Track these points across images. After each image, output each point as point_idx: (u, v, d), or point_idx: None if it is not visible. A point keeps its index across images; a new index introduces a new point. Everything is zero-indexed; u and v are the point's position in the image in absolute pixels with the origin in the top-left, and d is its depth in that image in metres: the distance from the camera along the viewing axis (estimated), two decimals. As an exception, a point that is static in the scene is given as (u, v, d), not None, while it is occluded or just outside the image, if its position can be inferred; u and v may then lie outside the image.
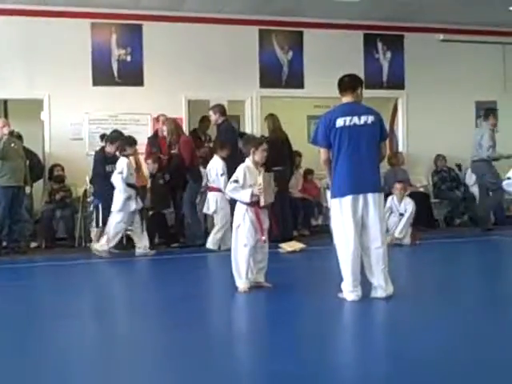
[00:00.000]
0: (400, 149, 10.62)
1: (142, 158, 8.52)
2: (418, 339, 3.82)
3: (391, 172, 10.07)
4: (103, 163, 7.97)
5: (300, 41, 10.05)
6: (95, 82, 9.18)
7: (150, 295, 5.54)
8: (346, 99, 4.92)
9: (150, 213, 8.37)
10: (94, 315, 4.91)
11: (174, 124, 8.31)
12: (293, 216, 8.91)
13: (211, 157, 8.16)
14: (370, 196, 4.75)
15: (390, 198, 7.99)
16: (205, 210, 8.06)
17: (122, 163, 7.49)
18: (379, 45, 10.46)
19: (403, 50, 10.54)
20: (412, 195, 8.72)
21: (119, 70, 9.29)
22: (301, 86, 10.04)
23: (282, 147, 8.49)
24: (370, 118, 4.79)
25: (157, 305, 5.11)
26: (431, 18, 10.21)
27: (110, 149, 7.97)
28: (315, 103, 11.38)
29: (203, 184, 8.15)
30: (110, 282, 6.61)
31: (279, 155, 8.15)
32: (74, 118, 9.12)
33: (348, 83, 4.94)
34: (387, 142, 11.24)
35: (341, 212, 4.77)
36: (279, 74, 9.98)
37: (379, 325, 4.45)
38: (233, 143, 8.04)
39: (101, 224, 7.84)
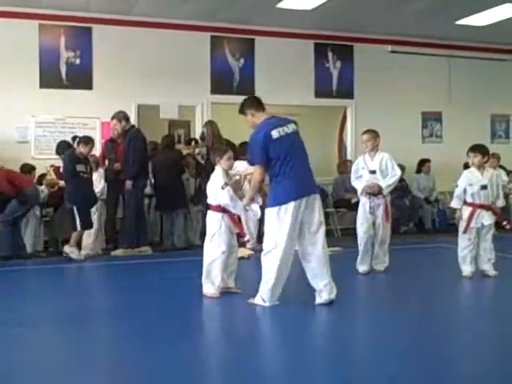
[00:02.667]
0: (348, 157, 10.76)
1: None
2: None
3: (340, 180, 10.22)
4: (74, 162, 7.79)
5: (251, 48, 10.09)
6: (42, 85, 9.00)
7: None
8: (264, 115, 5.13)
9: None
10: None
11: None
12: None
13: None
14: (312, 198, 4.88)
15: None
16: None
17: None
18: (329, 54, 10.59)
19: (353, 60, 10.71)
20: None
21: (68, 72, 9.13)
22: (252, 92, 10.02)
23: None
24: (293, 126, 5.02)
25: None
26: (380, 30, 10.42)
27: (84, 149, 7.81)
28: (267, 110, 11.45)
29: None
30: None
31: None
32: (20, 121, 8.91)
33: (261, 102, 5.22)
34: (336, 149, 11.55)
35: (282, 219, 4.78)
36: (230, 80, 10.00)
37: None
38: (142, 152, 8.00)
39: (79, 227, 7.64)
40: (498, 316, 4.87)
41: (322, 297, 4.88)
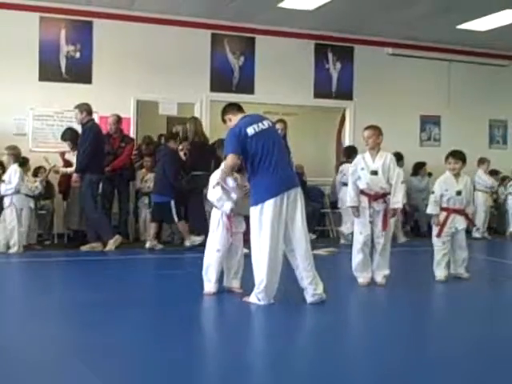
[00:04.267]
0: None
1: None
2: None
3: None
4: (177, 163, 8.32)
5: (252, 47, 10.09)
6: (42, 77, 8.98)
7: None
8: (241, 114, 5.23)
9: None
10: None
11: None
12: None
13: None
14: (294, 192, 4.88)
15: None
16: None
17: None
18: (330, 55, 10.60)
19: (353, 62, 10.71)
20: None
21: (67, 66, 9.11)
22: (251, 91, 10.08)
23: (203, 152, 8.32)
24: (267, 122, 5.07)
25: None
26: (381, 32, 10.42)
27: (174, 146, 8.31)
28: (265, 109, 11.44)
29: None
30: None
31: (200, 160, 8.21)
32: (18, 113, 8.89)
33: (239, 106, 5.34)
34: (334, 150, 11.55)
35: (264, 217, 4.77)
36: (230, 78, 9.99)
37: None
38: (93, 146, 7.84)
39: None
40: (473, 315, 4.92)
41: (308, 293, 4.91)
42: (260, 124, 4.97)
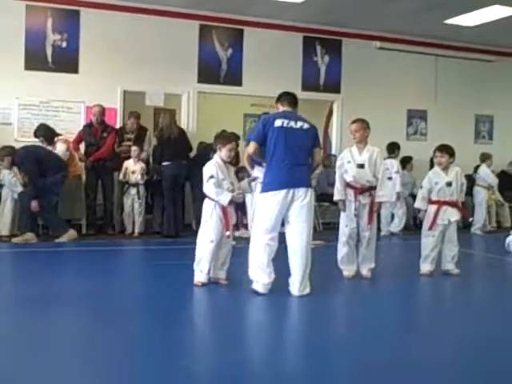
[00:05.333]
0: (333, 151, 10.79)
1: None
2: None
3: (324, 174, 10.24)
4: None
5: (240, 39, 10.05)
6: (27, 66, 8.89)
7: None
8: (284, 108, 5.32)
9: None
10: None
11: None
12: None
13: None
14: (303, 190, 5.00)
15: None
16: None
17: None
18: (318, 48, 10.59)
19: (341, 55, 10.71)
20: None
21: (53, 55, 9.03)
22: (239, 83, 10.05)
23: (171, 143, 8.43)
24: (306, 125, 5.16)
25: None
26: (369, 26, 10.43)
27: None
28: (252, 102, 11.44)
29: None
30: None
31: (168, 151, 8.39)
32: (4, 103, 8.81)
33: (295, 99, 5.40)
34: (321, 149, 11.55)
35: (269, 205, 4.98)
36: (218, 70, 9.95)
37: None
38: (35, 171, 7.70)
39: None
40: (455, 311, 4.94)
41: (290, 286, 5.04)
42: (292, 122, 5.10)
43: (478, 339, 4.11)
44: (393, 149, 9.82)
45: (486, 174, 10.26)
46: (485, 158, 10.47)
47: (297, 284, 4.99)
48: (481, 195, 10.17)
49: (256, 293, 4.97)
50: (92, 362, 3.42)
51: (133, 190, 8.67)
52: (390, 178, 8.30)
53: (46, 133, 8.20)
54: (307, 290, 5.02)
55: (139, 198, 8.61)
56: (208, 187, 5.25)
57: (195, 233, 5.59)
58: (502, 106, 11.83)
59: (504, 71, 11.72)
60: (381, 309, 4.97)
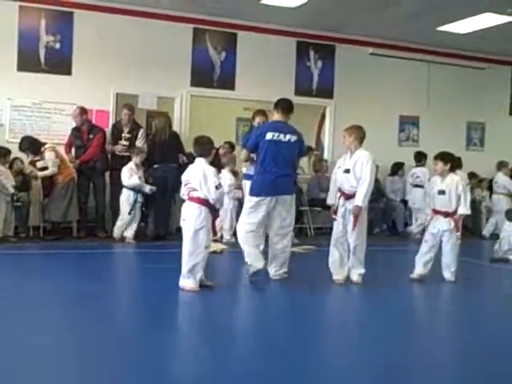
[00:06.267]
0: (325, 157, 10.81)
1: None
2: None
3: (315, 179, 10.27)
4: None
5: (234, 42, 10.06)
6: (20, 68, 8.86)
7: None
8: (278, 117, 6.02)
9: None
10: None
11: None
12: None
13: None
14: (283, 197, 5.84)
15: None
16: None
17: None
18: (311, 53, 10.61)
19: (334, 61, 10.74)
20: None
21: (46, 56, 9.00)
22: (232, 87, 10.06)
23: (161, 146, 8.54)
24: (293, 138, 5.90)
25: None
26: (363, 32, 10.46)
27: None
28: (245, 105, 11.45)
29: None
30: None
31: (158, 153, 8.54)
32: (-4, 103, 8.78)
33: (290, 106, 6.06)
34: (314, 151, 11.57)
35: (254, 207, 5.83)
36: (211, 73, 9.96)
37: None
38: None
39: None
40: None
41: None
42: (282, 135, 5.85)
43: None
44: (420, 158, 10.28)
45: (506, 182, 10.36)
46: (502, 165, 10.59)
47: (273, 269, 5.92)
48: (502, 203, 10.23)
49: (255, 274, 5.64)
50: (75, 369, 3.42)
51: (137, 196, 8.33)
52: (420, 186, 9.33)
53: (32, 145, 8.19)
54: (284, 269, 5.95)
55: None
56: (217, 193, 5.27)
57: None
58: (494, 113, 11.89)
59: (496, 79, 11.79)
60: (366, 314, 4.97)
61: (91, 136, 8.60)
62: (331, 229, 6.12)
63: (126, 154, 8.60)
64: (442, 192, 6.13)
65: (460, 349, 4.13)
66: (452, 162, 6.27)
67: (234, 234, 7.06)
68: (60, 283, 5.57)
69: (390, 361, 3.69)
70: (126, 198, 8.25)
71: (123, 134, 8.79)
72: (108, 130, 8.90)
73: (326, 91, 10.71)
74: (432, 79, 11.31)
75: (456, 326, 4.80)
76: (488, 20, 9.30)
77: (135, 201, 8.25)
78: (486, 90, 11.67)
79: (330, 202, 6.09)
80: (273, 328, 4.46)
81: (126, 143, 8.70)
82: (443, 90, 11.36)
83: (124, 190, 8.27)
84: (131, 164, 8.33)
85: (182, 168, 8.37)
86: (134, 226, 8.28)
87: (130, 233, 8.23)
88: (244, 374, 3.38)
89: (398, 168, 10.69)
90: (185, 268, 5.25)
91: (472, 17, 9.24)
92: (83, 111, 8.62)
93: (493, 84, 11.77)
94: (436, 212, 6.18)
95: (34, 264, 6.86)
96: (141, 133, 8.85)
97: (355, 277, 5.96)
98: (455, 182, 6.15)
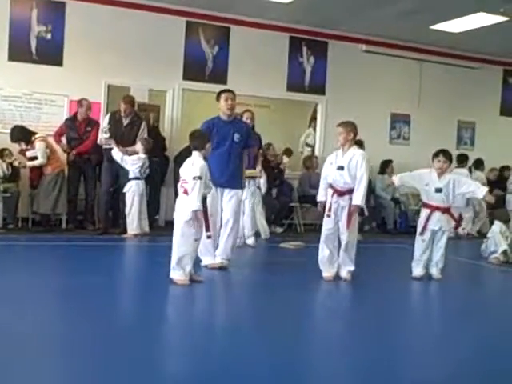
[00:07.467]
0: (316, 153, 10.81)
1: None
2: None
3: (306, 175, 10.28)
4: None
5: (227, 37, 10.03)
6: (11, 57, 8.79)
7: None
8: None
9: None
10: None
11: None
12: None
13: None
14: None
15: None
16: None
17: None
18: (304, 49, 10.59)
19: (326, 57, 10.73)
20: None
21: (38, 47, 8.93)
22: (224, 81, 10.01)
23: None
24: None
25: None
26: (356, 29, 10.46)
27: None
28: (237, 100, 11.38)
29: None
30: None
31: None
32: (-15, 93, 8.71)
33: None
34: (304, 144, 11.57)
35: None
36: (203, 67, 9.92)
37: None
38: None
39: None
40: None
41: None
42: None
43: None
44: (462, 160, 10.56)
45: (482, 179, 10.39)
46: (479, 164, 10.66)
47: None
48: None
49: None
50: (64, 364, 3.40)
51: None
52: None
53: (23, 135, 8.13)
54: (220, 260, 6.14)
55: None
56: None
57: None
58: (485, 113, 11.94)
59: (487, 78, 11.83)
60: (351, 312, 4.98)
61: (89, 128, 8.54)
62: (321, 225, 6.09)
63: (109, 146, 8.27)
64: (438, 190, 6.10)
65: (449, 346, 4.13)
66: (449, 159, 6.28)
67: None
68: (44, 276, 5.53)
69: (377, 358, 3.70)
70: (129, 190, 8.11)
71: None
72: (105, 120, 8.63)
73: (318, 87, 10.70)
74: (424, 78, 11.34)
75: (446, 323, 4.80)
76: (481, 19, 9.32)
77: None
78: (477, 89, 11.70)
79: (320, 198, 6.00)
80: (259, 325, 4.45)
81: (107, 136, 8.31)
82: (435, 88, 11.39)
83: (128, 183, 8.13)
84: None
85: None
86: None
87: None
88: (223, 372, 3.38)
89: (386, 166, 10.68)
90: (174, 260, 5.25)
91: (465, 16, 9.27)
92: (90, 106, 8.58)
93: (484, 84, 11.81)
94: (435, 208, 6.13)
95: (20, 256, 6.81)
96: (143, 125, 8.61)
97: (344, 273, 5.96)
98: (452, 180, 6.15)
